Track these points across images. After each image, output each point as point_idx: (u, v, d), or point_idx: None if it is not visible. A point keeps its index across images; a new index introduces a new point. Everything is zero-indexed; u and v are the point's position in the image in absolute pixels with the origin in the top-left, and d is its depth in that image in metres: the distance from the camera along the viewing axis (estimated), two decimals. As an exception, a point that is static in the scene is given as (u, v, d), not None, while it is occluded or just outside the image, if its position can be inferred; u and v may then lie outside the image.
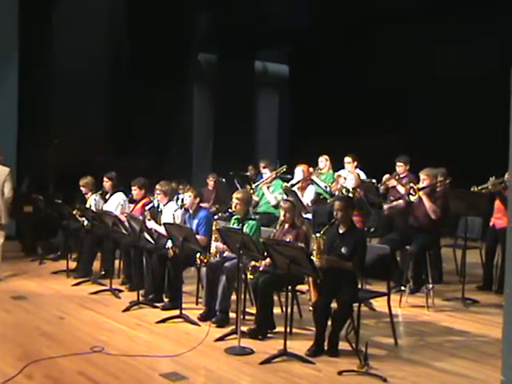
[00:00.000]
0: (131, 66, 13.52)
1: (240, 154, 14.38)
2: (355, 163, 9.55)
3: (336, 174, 9.50)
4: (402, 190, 8.26)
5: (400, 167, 8.92)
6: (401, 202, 8.09)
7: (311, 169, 9.52)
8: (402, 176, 8.86)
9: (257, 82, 17.08)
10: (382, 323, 6.63)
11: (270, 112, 17.78)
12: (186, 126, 15.05)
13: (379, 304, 6.78)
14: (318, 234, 5.79)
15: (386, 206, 8.21)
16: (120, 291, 7.97)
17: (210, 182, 11.19)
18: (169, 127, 14.19)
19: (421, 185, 7.58)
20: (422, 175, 7.65)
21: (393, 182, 8.66)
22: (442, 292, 8.02)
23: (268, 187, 9.44)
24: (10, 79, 11.54)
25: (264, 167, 9.85)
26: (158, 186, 7.92)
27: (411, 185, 7.60)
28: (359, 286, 6.26)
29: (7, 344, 5.99)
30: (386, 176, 8.81)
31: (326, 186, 9.44)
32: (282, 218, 6.47)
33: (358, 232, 6.12)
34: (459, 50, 12.12)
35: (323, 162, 10.00)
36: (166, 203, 7.92)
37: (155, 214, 7.81)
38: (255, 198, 9.22)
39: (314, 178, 9.45)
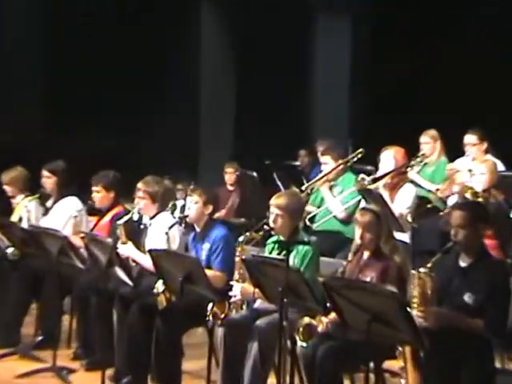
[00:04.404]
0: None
1: (283, 129, 10.87)
2: (484, 145, 7.40)
3: (449, 166, 7.43)
4: None
5: None
6: None
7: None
8: None
9: (314, 6, 12.29)
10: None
11: (338, 59, 12.93)
12: (189, 79, 11.27)
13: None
14: (422, 270, 4.64)
15: None
16: (71, 371, 6.05)
17: (229, 177, 9.10)
18: (159, 80, 11.19)
19: None
20: None
21: None
22: None
23: (331, 187, 7.43)
24: None
25: (324, 153, 7.72)
26: (140, 185, 6.24)
27: None
28: (497, 365, 4.96)
29: None
30: None
31: (435, 189, 7.57)
32: (358, 240, 5.28)
33: (495, 265, 4.89)
34: None
35: (429, 143, 7.82)
36: (155, 215, 6.24)
37: (134, 233, 6.19)
38: (310, 206, 7.31)
39: (412, 175, 7.41)
